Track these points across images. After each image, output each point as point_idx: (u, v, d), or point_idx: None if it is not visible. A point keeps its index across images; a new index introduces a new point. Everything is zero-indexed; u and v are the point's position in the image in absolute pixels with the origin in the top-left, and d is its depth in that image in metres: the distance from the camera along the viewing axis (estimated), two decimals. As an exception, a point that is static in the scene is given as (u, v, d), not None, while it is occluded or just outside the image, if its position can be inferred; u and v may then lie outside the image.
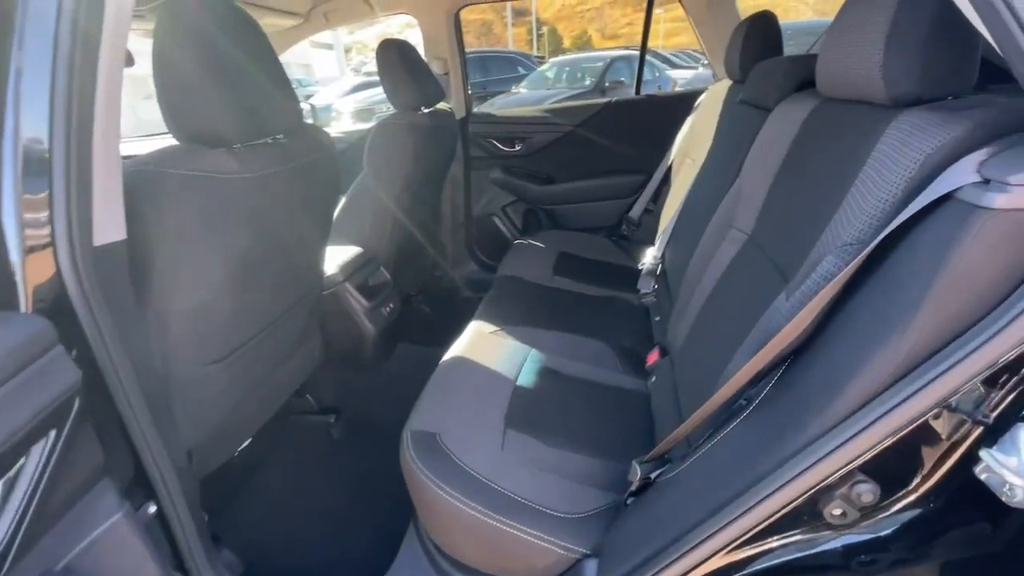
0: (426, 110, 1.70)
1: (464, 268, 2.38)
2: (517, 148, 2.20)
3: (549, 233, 2.11)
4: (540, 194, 2.21)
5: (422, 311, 2.28)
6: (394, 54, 1.57)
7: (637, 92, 2.09)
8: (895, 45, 0.63)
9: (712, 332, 0.99)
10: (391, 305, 1.65)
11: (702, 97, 1.84)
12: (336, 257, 1.54)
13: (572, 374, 1.24)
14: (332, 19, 2.00)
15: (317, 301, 1.38)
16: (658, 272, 1.58)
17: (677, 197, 1.75)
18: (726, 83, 1.65)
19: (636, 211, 2.07)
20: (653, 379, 1.24)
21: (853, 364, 0.52)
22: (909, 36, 0.62)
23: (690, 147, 1.81)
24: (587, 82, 7.72)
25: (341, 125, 7.55)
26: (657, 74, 8.73)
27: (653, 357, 1.30)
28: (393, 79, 1.57)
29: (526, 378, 1.19)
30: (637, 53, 7.51)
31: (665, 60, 11.27)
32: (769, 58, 1.40)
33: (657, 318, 1.47)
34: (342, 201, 1.66)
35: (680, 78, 9.49)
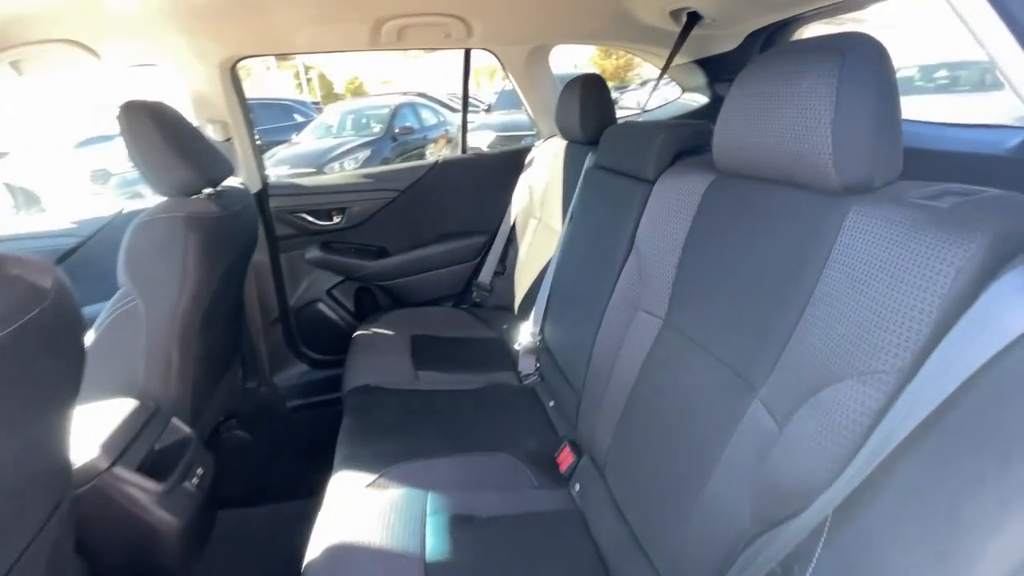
0: (210, 191, 1.27)
1: (289, 372, 1.90)
2: (336, 220, 1.85)
3: (392, 314, 1.81)
4: (374, 270, 1.90)
5: (240, 441, 1.73)
6: (147, 123, 1.11)
7: (463, 150, 1.96)
8: (845, 128, 0.57)
9: (655, 436, 0.85)
10: (199, 471, 1.15)
11: (533, 154, 1.79)
12: (93, 426, 1.00)
13: (488, 513, 0.98)
14: (27, 68, 1.40)
15: (67, 515, 0.85)
16: (537, 347, 1.43)
17: (533, 261, 1.65)
18: (559, 142, 1.61)
19: (485, 276, 1.91)
20: (577, 488, 1.07)
21: (964, 537, 0.40)
22: (858, 118, 0.57)
23: (532, 207, 1.74)
24: (376, 129, 7.51)
25: (61, 201, 5.77)
26: (442, 119, 9.03)
27: (567, 459, 1.13)
28: (154, 158, 1.11)
29: (437, 544, 0.89)
30: (420, 100, 7.58)
31: (444, 104, 11.80)
32: (607, 120, 1.39)
33: (551, 403, 1.31)
34: (91, 337, 1.11)
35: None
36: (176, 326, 1.15)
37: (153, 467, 1.04)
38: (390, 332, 1.68)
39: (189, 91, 1.50)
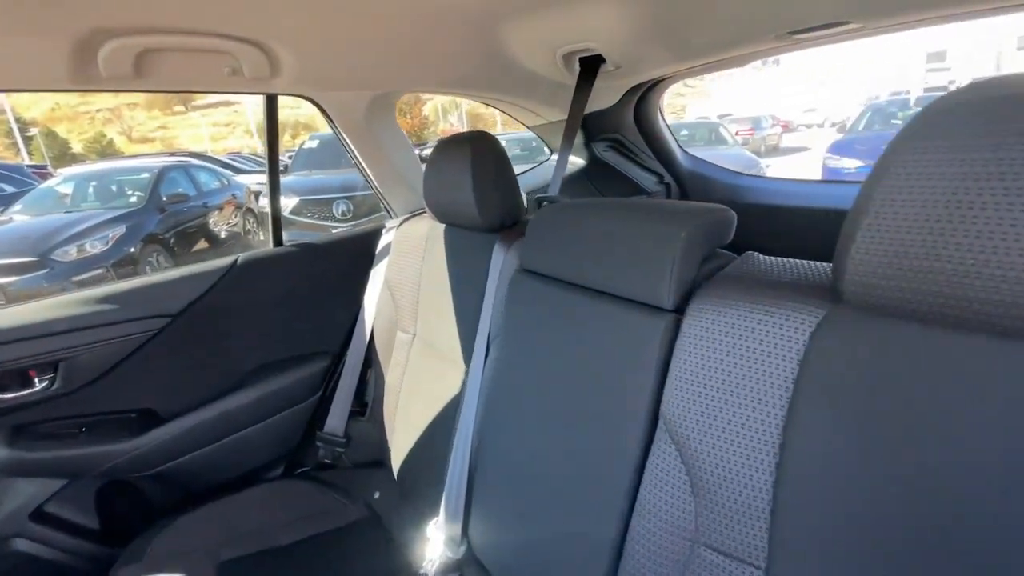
0: None
1: None
2: (40, 385, 1.03)
3: (177, 524, 1.06)
4: (141, 452, 1.11)
5: None
6: None
7: (277, 242, 1.31)
8: None
9: None
10: None
11: (387, 239, 1.26)
12: None
13: None
14: None
15: None
16: (460, 562, 0.88)
17: (416, 397, 1.10)
18: (426, 224, 1.14)
19: (336, 421, 1.28)
20: None
21: None
22: None
23: (400, 316, 1.20)
24: (133, 198, 5.93)
25: None
26: (226, 181, 7.73)
27: None
28: None
29: None
30: (194, 161, 6.33)
31: (226, 165, 10.26)
32: (514, 199, 0.97)
33: None
34: None
35: (256, 183, 8.76)
36: None
37: None
38: (175, 571, 0.94)
39: None
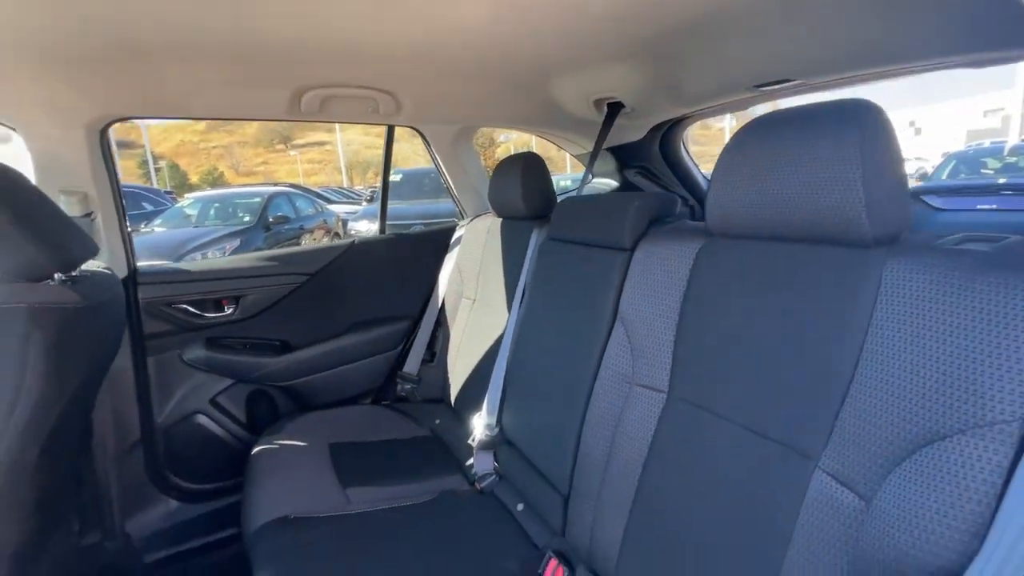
0: (62, 277, 0.95)
1: (149, 514, 1.44)
2: (228, 311, 1.54)
3: (300, 420, 1.50)
4: (275, 368, 1.58)
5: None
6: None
7: (382, 230, 1.81)
8: (874, 183, 0.58)
9: (693, 527, 0.73)
10: None
11: (460, 233, 1.71)
12: None
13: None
14: None
15: None
16: (495, 441, 1.25)
17: (472, 345, 1.51)
18: (490, 220, 1.57)
19: (411, 365, 1.70)
20: (580, 612, 0.88)
21: None
22: (884, 173, 0.59)
23: (464, 287, 1.62)
24: (246, 218, 6.97)
25: None
26: (319, 209, 8.79)
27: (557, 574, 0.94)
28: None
29: None
30: (294, 191, 7.36)
31: (320, 196, 11.59)
32: (550, 195, 1.38)
33: (520, 506, 1.13)
34: None
35: (343, 211, 9.84)
36: (-5, 470, 0.79)
37: None
38: (301, 443, 1.38)
39: (35, 158, 1.19)
